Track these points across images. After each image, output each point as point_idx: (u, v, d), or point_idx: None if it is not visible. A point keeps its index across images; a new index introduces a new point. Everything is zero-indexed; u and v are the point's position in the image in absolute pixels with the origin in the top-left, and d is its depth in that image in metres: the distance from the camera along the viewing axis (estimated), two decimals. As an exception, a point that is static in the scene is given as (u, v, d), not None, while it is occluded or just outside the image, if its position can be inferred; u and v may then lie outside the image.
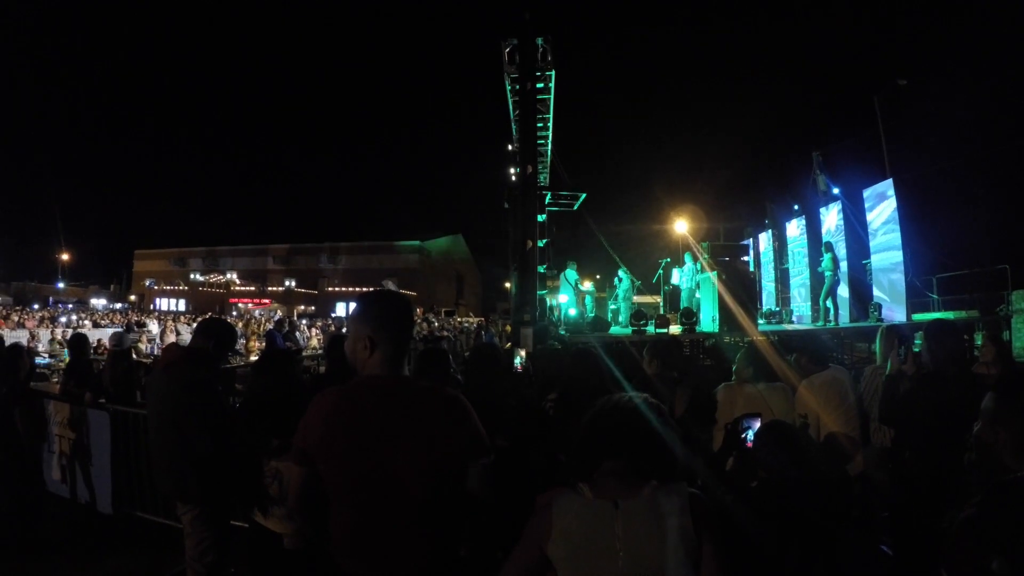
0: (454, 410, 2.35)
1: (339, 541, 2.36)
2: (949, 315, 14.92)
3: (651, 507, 1.95)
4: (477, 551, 2.66)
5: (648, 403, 2.16)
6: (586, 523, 1.96)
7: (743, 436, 3.16)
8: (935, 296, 16.87)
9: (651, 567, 1.90)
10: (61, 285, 59.16)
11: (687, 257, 17.13)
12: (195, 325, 5.83)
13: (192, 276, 65.09)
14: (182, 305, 60.30)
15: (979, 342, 13.14)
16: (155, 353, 17.91)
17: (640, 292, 19.47)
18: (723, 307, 13.39)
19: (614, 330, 15.73)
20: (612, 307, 19.52)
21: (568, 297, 17.49)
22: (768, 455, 2.91)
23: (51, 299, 52.33)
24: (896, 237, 15.19)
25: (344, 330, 16.71)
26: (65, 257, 60.03)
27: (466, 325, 34.57)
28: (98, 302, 55.12)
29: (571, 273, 17.62)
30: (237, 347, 19.98)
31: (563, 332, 14.71)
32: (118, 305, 54.31)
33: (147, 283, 66.06)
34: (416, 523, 2.29)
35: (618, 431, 2.08)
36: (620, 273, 18.22)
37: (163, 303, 62.55)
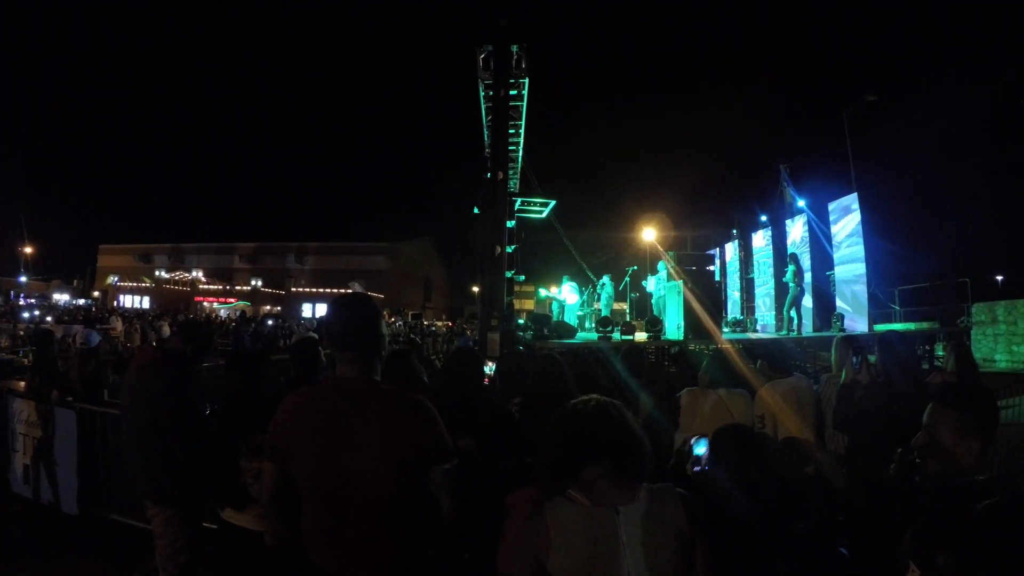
0: (417, 413, 2.40)
1: (310, 537, 2.41)
2: (911, 326, 15.21)
3: (649, 511, 1.98)
4: (445, 552, 2.72)
5: (615, 405, 2.17)
6: (589, 533, 1.96)
7: (692, 456, 3.26)
8: (897, 307, 17.19)
9: (656, 571, 1.92)
10: (23, 279, 57.87)
11: (660, 265, 17.25)
12: (176, 327, 5.77)
13: (157, 273, 64.14)
14: (146, 303, 59.37)
15: (940, 352, 13.44)
16: (120, 351, 17.69)
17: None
18: (689, 315, 13.52)
19: (580, 336, 15.82)
20: (579, 313, 19.62)
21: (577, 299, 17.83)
22: (729, 457, 2.99)
23: (12, 293, 51.21)
24: (860, 250, 15.43)
25: (312, 333, 16.65)
26: (28, 250, 58.83)
27: (433, 328, 34.44)
28: (61, 297, 54.01)
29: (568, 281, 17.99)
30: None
31: (529, 337, 14.78)
32: (81, 301, 53.17)
33: (112, 280, 65.02)
34: (383, 521, 2.34)
35: (598, 437, 2.06)
36: (604, 280, 18.33)
37: (127, 300, 61.62)
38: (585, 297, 19.14)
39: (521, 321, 16.91)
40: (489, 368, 7.73)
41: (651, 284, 18.06)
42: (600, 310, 17.80)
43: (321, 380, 3.27)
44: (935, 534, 1.95)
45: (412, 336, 20.64)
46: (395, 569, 2.38)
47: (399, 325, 27.57)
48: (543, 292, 25.11)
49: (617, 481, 2.03)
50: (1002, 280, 42.29)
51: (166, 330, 21.05)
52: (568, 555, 1.95)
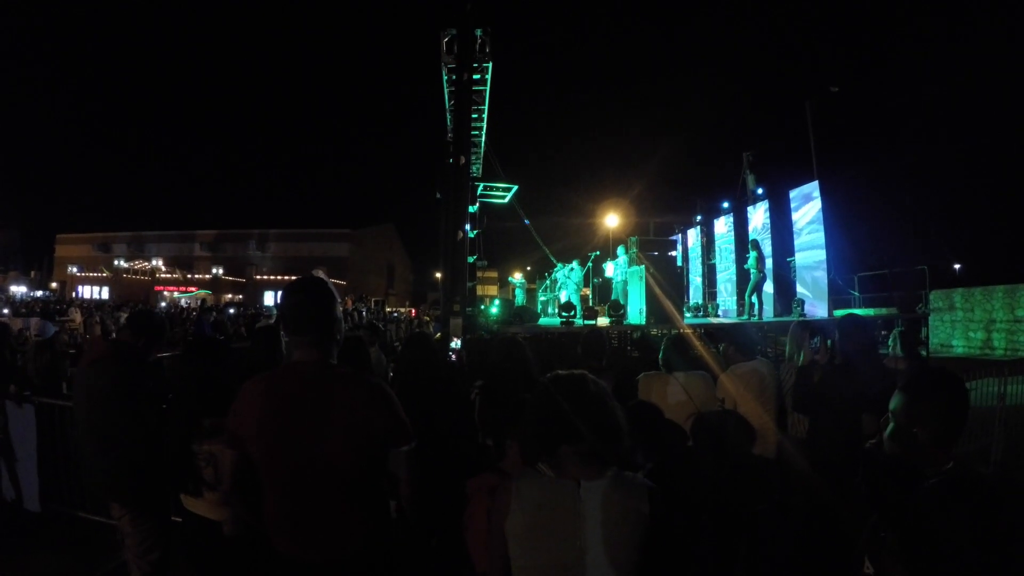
0: (374, 396, 2.39)
1: (273, 523, 2.40)
2: (870, 312, 15.45)
3: (612, 490, 1.99)
4: (409, 535, 2.70)
5: (599, 387, 2.15)
6: (546, 500, 1.99)
7: None
8: (856, 293, 17.45)
9: (604, 545, 1.94)
10: (-21, 271, 56.50)
11: (620, 250, 17.28)
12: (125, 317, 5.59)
13: (116, 263, 63.08)
14: (105, 293, 58.42)
15: (891, 342, 13.70)
16: (79, 343, 17.25)
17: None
18: (651, 300, 13.63)
19: (543, 321, 15.85)
20: (542, 298, 19.67)
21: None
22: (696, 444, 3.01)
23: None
24: (820, 237, 15.60)
25: (272, 321, 16.51)
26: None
27: (396, 315, 34.36)
28: (18, 289, 52.78)
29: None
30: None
31: (492, 322, 14.80)
32: (39, 292, 52.06)
33: (74, 270, 63.75)
34: (343, 505, 2.34)
35: (579, 419, 2.04)
36: (573, 264, 18.36)
37: (86, 291, 60.60)
38: (548, 283, 19.17)
39: (484, 306, 16.85)
40: (455, 344, 7.75)
41: (610, 269, 18.13)
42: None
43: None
44: (886, 515, 2.01)
45: (374, 323, 20.57)
46: (356, 552, 2.37)
47: (363, 312, 27.26)
48: (512, 279, 25.14)
49: (588, 460, 2.03)
50: (960, 268, 43.05)
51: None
52: (522, 518, 1.99)
